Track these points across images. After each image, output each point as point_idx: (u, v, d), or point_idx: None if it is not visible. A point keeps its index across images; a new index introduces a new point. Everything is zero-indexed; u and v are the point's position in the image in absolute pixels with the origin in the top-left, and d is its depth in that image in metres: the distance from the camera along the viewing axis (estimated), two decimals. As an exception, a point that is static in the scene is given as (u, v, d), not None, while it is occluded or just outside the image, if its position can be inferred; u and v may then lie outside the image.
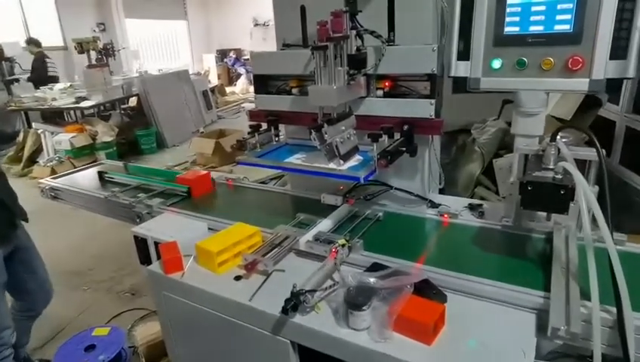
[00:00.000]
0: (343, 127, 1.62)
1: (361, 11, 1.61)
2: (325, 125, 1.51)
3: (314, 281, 1.29)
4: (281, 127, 2.05)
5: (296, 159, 1.80)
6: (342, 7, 1.52)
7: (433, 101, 1.63)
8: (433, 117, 1.64)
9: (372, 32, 1.63)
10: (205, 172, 2.38)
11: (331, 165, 1.61)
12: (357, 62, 1.61)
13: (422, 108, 1.65)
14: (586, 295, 1.16)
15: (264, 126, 1.94)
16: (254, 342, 1.37)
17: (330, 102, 1.57)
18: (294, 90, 1.91)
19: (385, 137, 1.61)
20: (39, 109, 7.23)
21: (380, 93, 1.74)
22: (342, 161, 1.59)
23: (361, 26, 1.62)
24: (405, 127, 1.66)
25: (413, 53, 1.61)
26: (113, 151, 7.12)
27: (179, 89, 8.91)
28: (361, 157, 1.69)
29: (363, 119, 1.73)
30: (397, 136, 1.66)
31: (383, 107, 1.73)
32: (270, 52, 1.96)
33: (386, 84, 1.71)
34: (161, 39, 14.28)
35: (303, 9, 1.86)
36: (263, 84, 2.02)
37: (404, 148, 1.63)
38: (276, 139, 1.99)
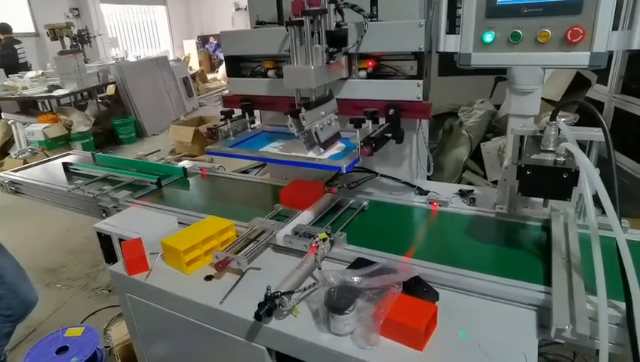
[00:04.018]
0: (323, 112, 1.50)
1: None
2: (303, 110, 1.39)
3: (291, 281, 1.17)
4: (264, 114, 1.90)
5: (273, 148, 1.66)
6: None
7: (421, 82, 1.51)
8: (421, 99, 1.52)
9: (353, 6, 1.49)
10: (315, 182, 1.79)
11: (311, 154, 1.49)
12: (337, 39, 1.46)
13: (409, 90, 1.53)
14: (589, 289, 1.06)
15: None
16: (227, 348, 1.24)
17: (308, 83, 1.43)
18: (270, 73, 1.76)
19: (369, 122, 1.49)
20: (8, 99, 6.90)
21: (362, 74, 1.61)
22: (322, 149, 1.48)
23: (341, 0, 1.48)
24: (391, 111, 1.54)
25: (399, 29, 1.48)
26: (90, 142, 6.89)
27: (158, 76, 8.64)
28: (343, 145, 1.57)
29: (345, 103, 1.61)
30: (382, 121, 1.55)
31: (367, 89, 1.61)
32: (242, 30, 1.81)
33: (370, 63, 1.59)
34: (140, 25, 13.85)
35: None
36: (235, 66, 1.87)
37: (389, 135, 1.52)
38: (252, 126, 1.85)
